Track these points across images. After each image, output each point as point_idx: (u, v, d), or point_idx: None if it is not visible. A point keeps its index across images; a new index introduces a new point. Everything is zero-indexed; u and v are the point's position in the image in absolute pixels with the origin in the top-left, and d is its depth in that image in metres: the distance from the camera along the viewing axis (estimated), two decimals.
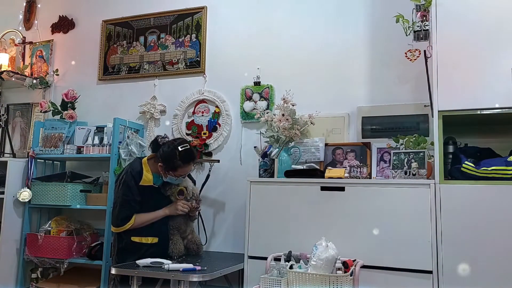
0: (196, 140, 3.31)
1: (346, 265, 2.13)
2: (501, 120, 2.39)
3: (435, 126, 2.28)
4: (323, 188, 2.46)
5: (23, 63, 3.98)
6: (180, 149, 2.66)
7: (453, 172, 2.31)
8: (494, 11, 2.25)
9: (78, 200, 3.32)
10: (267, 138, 2.81)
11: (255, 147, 2.94)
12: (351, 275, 2.09)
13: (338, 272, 2.09)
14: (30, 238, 3.32)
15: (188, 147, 2.72)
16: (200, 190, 3.08)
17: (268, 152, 2.77)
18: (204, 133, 3.32)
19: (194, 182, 3.00)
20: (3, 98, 4.09)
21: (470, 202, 2.16)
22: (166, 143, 2.71)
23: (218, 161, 3.19)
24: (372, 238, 2.31)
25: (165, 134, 3.04)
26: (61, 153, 3.42)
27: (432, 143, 2.30)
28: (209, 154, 3.31)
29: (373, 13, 3.01)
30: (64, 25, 3.97)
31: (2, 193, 3.35)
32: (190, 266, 2.38)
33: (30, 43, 4.03)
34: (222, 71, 3.37)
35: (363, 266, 2.23)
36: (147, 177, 2.71)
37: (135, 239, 2.67)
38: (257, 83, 3.23)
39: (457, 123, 2.41)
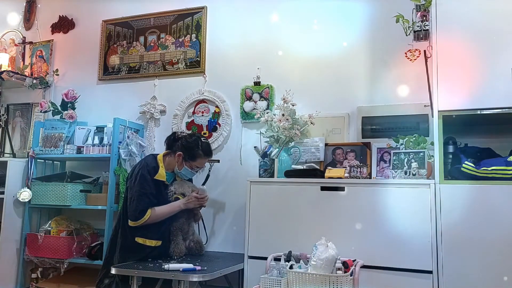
0: None
1: (346, 265, 2.13)
2: (501, 120, 2.39)
3: (435, 126, 2.28)
4: (323, 188, 2.46)
5: (23, 63, 3.98)
6: (203, 140, 2.83)
7: (453, 172, 2.31)
8: (494, 11, 2.25)
9: (78, 200, 3.32)
10: (267, 138, 2.81)
11: (255, 147, 2.94)
12: (351, 275, 2.09)
13: (338, 272, 2.08)
14: (30, 238, 3.32)
15: (208, 142, 2.92)
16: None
17: (268, 152, 2.77)
18: (204, 133, 3.32)
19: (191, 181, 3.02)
20: (3, 98, 4.09)
21: (470, 202, 2.16)
22: (187, 135, 2.88)
23: (218, 161, 3.18)
24: (372, 238, 2.31)
25: (182, 130, 3.27)
26: (61, 153, 3.42)
27: (432, 143, 2.30)
28: None
29: (373, 13, 3.01)
30: (64, 25, 3.97)
31: (2, 193, 3.35)
32: (190, 266, 2.38)
33: (30, 43, 4.03)
34: (222, 71, 3.37)
35: (363, 266, 2.23)
36: (162, 172, 2.75)
37: (139, 240, 2.67)
38: (257, 83, 3.23)
39: (457, 123, 2.41)
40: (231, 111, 3.30)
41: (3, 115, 3.99)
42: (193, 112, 3.41)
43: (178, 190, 2.77)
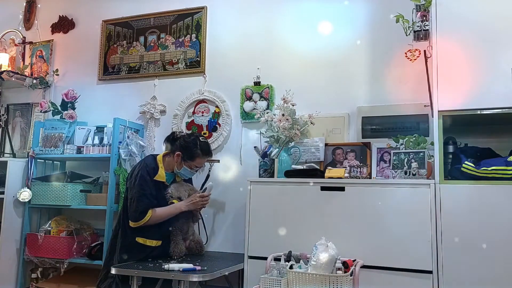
0: None
1: (346, 265, 2.13)
2: (501, 120, 2.39)
3: (435, 126, 2.28)
4: (323, 188, 2.46)
5: (23, 63, 3.98)
6: (201, 139, 2.80)
7: (453, 172, 2.31)
8: (494, 11, 2.25)
9: (78, 200, 3.32)
10: (267, 138, 2.81)
11: (255, 147, 2.94)
12: (351, 275, 2.09)
13: (338, 272, 2.09)
14: (30, 238, 3.32)
15: (207, 141, 2.89)
16: (200, 190, 3.07)
17: (268, 152, 2.77)
18: (204, 133, 3.32)
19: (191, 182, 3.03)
20: (3, 98, 4.09)
21: (470, 202, 2.16)
22: (186, 135, 2.86)
23: (218, 161, 3.18)
24: (372, 238, 2.31)
25: (181, 130, 3.27)
26: (61, 153, 3.42)
27: (432, 143, 2.30)
28: None
29: (373, 13, 3.01)
30: (64, 25, 3.97)
31: (2, 193, 3.36)
32: (190, 266, 2.38)
33: (30, 43, 4.03)
34: (222, 71, 3.37)
35: (363, 266, 2.23)
36: (162, 173, 2.76)
37: (140, 240, 2.67)
38: (257, 83, 3.23)
39: (457, 123, 2.41)
40: (231, 111, 3.30)
41: (3, 115, 3.99)
42: (193, 112, 3.41)
43: (175, 194, 2.77)
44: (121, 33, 3.75)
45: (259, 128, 3.12)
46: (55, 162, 3.68)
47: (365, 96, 2.97)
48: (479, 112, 2.24)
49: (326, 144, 2.91)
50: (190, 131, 3.31)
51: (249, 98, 3.23)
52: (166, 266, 2.38)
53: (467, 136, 2.58)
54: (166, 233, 2.75)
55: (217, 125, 3.32)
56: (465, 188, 2.19)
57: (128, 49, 3.70)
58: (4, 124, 3.98)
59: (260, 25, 3.30)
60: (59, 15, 3.99)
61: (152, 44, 3.63)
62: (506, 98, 2.17)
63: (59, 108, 3.56)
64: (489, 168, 2.18)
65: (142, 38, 3.67)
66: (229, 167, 3.24)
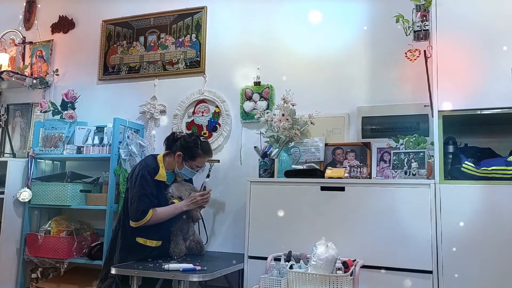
0: None
1: (346, 265, 2.13)
2: (501, 120, 2.39)
3: (435, 126, 2.28)
4: (323, 188, 2.46)
5: (23, 63, 3.98)
6: (202, 139, 2.82)
7: (453, 172, 2.31)
8: (494, 11, 2.25)
9: (78, 200, 3.32)
10: (267, 138, 2.81)
11: (255, 147, 2.94)
12: (351, 275, 2.09)
13: (338, 272, 2.08)
14: (30, 238, 3.32)
15: (207, 141, 2.93)
16: (200, 189, 3.07)
17: (268, 152, 2.77)
18: (204, 133, 3.32)
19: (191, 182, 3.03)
20: (3, 98, 4.09)
21: (470, 202, 2.16)
22: (187, 135, 2.88)
23: (218, 161, 3.18)
24: (372, 238, 2.31)
25: (181, 130, 3.30)
26: (61, 153, 3.42)
27: (432, 143, 2.30)
28: None
29: (373, 13, 3.01)
30: (64, 25, 3.97)
31: (2, 193, 3.36)
32: (190, 266, 2.38)
33: (30, 43, 4.03)
34: (222, 71, 3.37)
35: (363, 266, 2.23)
36: (162, 173, 2.76)
37: (140, 240, 2.67)
38: (257, 83, 3.23)
39: (457, 123, 2.41)
40: (231, 111, 3.30)
41: (3, 115, 3.99)
42: (193, 112, 3.41)
43: (176, 194, 2.77)
44: (121, 33, 3.75)
45: (259, 128, 3.12)
46: (55, 162, 3.68)
47: (365, 96, 2.97)
48: (479, 112, 2.24)
49: (326, 144, 2.91)
50: (190, 131, 3.30)
51: (249, 98, 3.23)
52: (166, 266, 2.37)
53: (467, 136, 2.58)
54: (166, 233, 2.75)
55: (217, 125, 3.32)
56: (465, 188, 2.19)
57: (128, 49, 3.70)
58: (4, 124, 3.97)
59: (260, 25, 3.30)
60: (59, 15, 3.99)
61: (152, 44, 3.63)
62: (506, 98, 2.18)
63: (59, 108, 3.56)
64: (489, 168, 2.19)
65: (142, 38, 3.67)
66: (229, 167, 3.24)
